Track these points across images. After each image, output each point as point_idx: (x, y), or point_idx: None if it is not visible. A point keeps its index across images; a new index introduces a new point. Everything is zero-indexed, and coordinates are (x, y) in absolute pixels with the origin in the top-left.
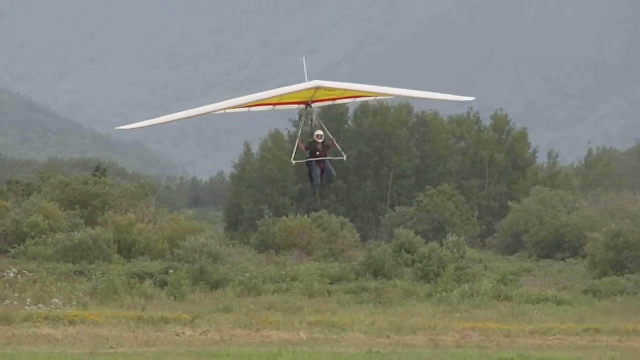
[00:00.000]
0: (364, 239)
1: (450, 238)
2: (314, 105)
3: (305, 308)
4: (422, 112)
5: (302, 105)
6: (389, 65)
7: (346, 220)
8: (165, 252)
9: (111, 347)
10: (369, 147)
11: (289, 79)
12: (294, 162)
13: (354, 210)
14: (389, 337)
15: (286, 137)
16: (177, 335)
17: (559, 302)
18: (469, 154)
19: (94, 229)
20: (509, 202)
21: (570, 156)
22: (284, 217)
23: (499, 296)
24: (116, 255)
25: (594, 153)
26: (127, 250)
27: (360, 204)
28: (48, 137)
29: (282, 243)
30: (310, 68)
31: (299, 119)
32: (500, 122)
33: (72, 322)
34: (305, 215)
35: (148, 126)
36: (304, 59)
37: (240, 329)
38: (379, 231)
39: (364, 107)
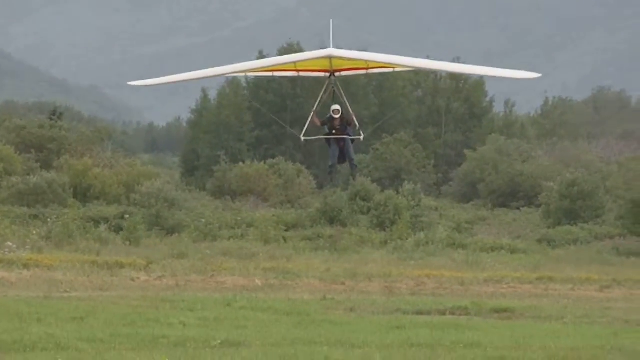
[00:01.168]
0: (320, 186)
1: (407, 186)
2: (338, 75)
3: (261, 254)
4: None
5: (327, 74)
6: (346, 12)
7: (303, 167)
8: (121, 197)
9: (65, 291)
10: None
11: (247, 24)
12: (303, 138)
13: (311, 157)
14: (343, 284)
15: (244, 84)
16: (132, 280)
17: (513, 251)
18: (426, 103)
19: (49, 173)
20: (465, 151)
21: (527, 105)
22: (241, 164)
23: (454, 244)
24: (72, 200)
25: (551, 103)
26: (82, 194)
27: (316, 152)
28: (4, 80)
29: (239, 189)
30: (266, 13)
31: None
32: None
33: (26, 266)
34: (262, 162)
35: (161, 84)
36: (331, 22)
37: (196, 274)
38: (335, 178)
39: None
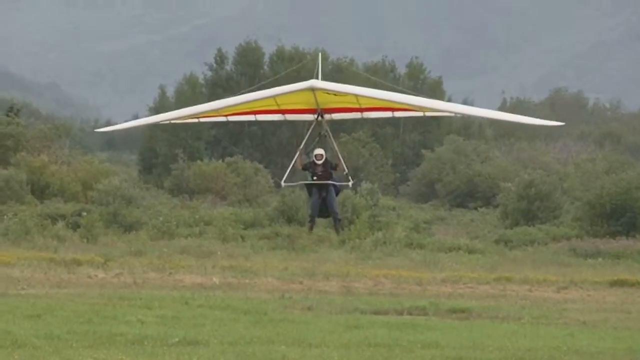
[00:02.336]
0: (278, 185)
1: (365, 185)
2: (326, 116)
3: (219, 253)
4: (338, 59)
5: (315, 115)
6: (303, 9)
7: (261, 166)
8: (79, 194)
9: (23, 288)
10: None
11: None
12: (284, 184)
13: (269, 155)
14: (301, 283)
15: (202, 81)
16: (90, 277)
17: (470, 251)
18: None
19: (6, 169)
20: (423, 151)
21: (484, 106)
22: (199, 162)
23: (412, 244)
24: (29, 197)
25: (508, 103)
26: (40, 191)
27: (275, 150)
28: None
29: (197, 187)
30: (225, 10)
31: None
32: (415, 71)
33: None
34: (220, 160)
35: (132, 127)
36: (319, 56)
37: (153, 272)
38: (293, 177)
39: (279, 52)
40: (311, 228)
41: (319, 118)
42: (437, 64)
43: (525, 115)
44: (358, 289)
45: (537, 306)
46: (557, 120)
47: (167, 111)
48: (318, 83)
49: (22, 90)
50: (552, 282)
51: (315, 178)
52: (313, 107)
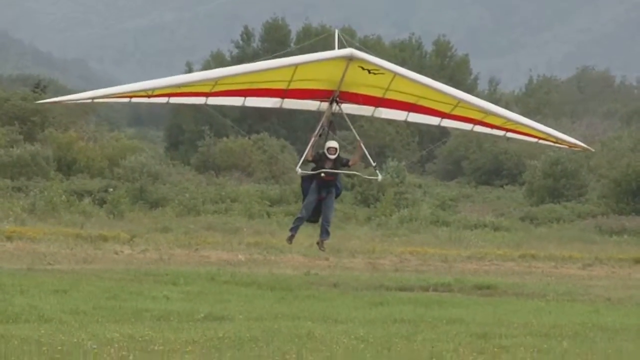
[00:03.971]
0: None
1: (391, 163)
2: (342, 104)
3: (245, 229)
4: (365, 36)
5: (326, 103)
6: None
7: (287, 142)
8: (105, 170)
9: (49, 263)
10: None
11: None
12: (299, 171)
13: (295, 132)
14: (327, 259)
15: (228, 59)
16: (116, 253)
17: (496, 228)
18: None
19: (33, 145)
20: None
21: (511, 83)
22: (225, 139)
23: (438, 222)
24: (55, 173)
25: (535, 81)
26: (66, 167)
27: (301, 127)
28: None
29: (223, 164)
30: None
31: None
32: (442, 48)
33: (9, 238)
34: (246, 137)
35: (76, 100)
36: (336, 33)
37: (179, 248)
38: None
39: (306, 29)
40: (292, 238)
41: (334, 104)
42: (464, 42)
43: (552, 93)
44: (383, 265)
45: (562, 283)
46: (584, 97)
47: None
48: (358, 53)
49: (48, 66)
50: (578, 259)
51: (323, 175)
52: (332, 87)
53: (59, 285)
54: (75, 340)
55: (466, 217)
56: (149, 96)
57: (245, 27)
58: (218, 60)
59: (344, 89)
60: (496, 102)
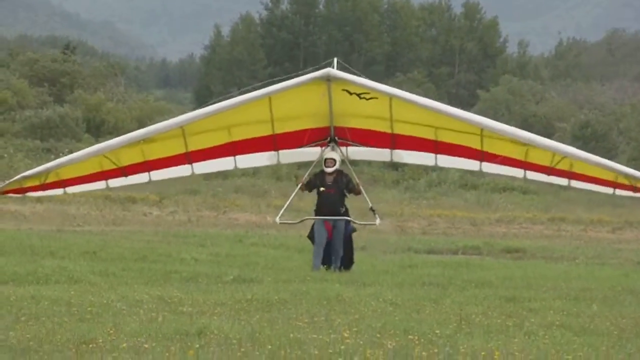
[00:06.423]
0: None
1: None
2: (348, 147)
3: (272, 192)
4: None
5: (324, 147)
6: None
7: None
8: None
9: (78, 225)
10: (339, 33)
11: None
12: (279, 221)
13: None
14: (354, 222)
15: (257, 21)
16: (145, 215)
17: (525, 192)
18: (440, 42)
19: (62, 107)
20: (478, 91)
21: (540, 46)
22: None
23: (466, 185)
24: (85, 134)
25: (564, 44)
26: (95, 129)
27: None
28: (18, 12)
29: None
30: None
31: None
32: (471, 11)
33: (39, 200)
34: None
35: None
36: (335, 60)
37: (207, 210)
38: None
39: None
40: (316, 269)
41: (334, 147)
42: (493, 5)
43: (582, 55)
44: (412, 228)
45: (591, 246)
46: (614, 60)
47: (222, 50)
48: (336, 72)
49: (77, 28)
50: (607, 223)
51: (323, 190)
52: (325, 123)
53: (88, 246)
54: (104, 301)
55: (494, 180)
56: (125, 175)
57: None
58: (247, 22)
59: (338, 123)
60: (525, 64)
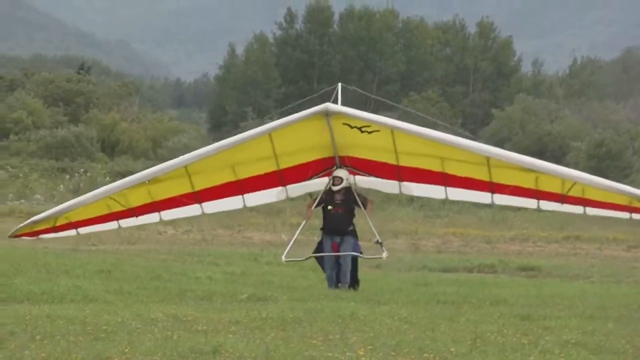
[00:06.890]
0: None
1: None
2: (358, 176)
3: (288, 210)
4: (408, 17)
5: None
6: None
7: None
8: (148, 151)
9: (93, 244)
10: (353, 52)
11: None
12: (284, 260)
13: None
14: (369, 240)
15: (271, 40)
16: (159, 234)
17: (539, 210)
18: (454, 61)
19: (77, 126)
20: (493, 110)
21: (555, 65)
22: (268, 119)
23: (480, 203)
24: (99, 154)
25: (579, 62)
26: (110, 148)
27: None
28: (32, 33)
29: None
30: None
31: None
32: (485, 30)
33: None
34: None
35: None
36: (339, 86)
37: (222, 229)
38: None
39: (349, 12)
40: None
41: (338, 171)
42: (507, 24)
43: (596, 74)
44: (426, 246)
45: (606, 265)
46: (629, 78)
47: (236, 69)
48: (333, 107)
49: (92, 47)
50: (622, 241)
51: (330, 208)
52: (329, 153)
53: (103, 265)
54: (119, 320)
55: None
56: (136, 216)
57: (289, 9)
58: (261, 42)
59: (343, 153)
60: (540, 83)
